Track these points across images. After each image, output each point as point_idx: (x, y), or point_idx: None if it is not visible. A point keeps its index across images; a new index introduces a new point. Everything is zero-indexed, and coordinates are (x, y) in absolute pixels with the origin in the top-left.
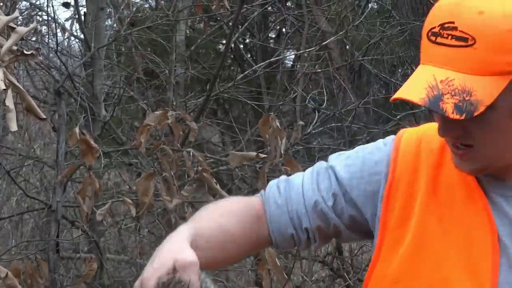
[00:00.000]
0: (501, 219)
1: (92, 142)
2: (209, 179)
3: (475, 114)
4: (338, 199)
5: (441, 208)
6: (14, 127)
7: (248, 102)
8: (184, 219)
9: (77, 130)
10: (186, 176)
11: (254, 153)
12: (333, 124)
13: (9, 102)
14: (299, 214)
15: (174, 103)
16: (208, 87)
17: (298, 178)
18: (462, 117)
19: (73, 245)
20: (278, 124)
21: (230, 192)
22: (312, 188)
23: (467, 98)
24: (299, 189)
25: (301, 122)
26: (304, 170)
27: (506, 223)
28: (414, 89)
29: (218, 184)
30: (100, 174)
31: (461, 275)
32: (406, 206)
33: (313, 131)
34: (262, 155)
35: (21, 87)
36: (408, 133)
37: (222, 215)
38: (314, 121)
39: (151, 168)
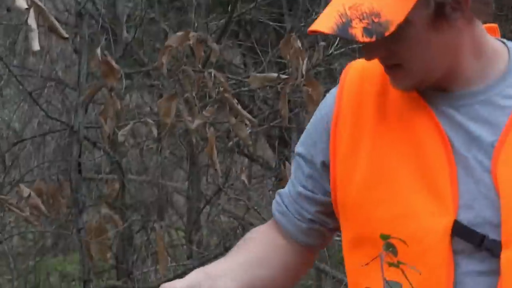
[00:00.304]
0: (454, 130)
1: (113, 63)
2: (230, 100)
3: (386, 34)
4: (314, 177)
5: (392, 133)
6: (36, 46)
7: (270, 23)
8: (205, 140)
9: (98, 51)
10: (207, 97)
11: (275, 74)
12: (354, 46)
13: (32, 22)
14: (297, 211)
15: (196, 25)
16: (229, 8)
17: (285, 186)
18: (373, 39)
19: (95, 166)
20: (299, 44)
21: (251, 113)
22: (292, 183)
23: (376, 20)
24: (286, 192)
25: (322, 43)
26: (325, 92)
27: (460, 133)
28: (325, 19)
29: (239, 105)
30: (122, 95)
31: (421, 192)
32: (354, 135)
33: (335, 52)
34: (284, 76)
35: (43, 7)
36: (354, 67)
37: (239, 246)
38: (336, 42)
39: (173, 89)
